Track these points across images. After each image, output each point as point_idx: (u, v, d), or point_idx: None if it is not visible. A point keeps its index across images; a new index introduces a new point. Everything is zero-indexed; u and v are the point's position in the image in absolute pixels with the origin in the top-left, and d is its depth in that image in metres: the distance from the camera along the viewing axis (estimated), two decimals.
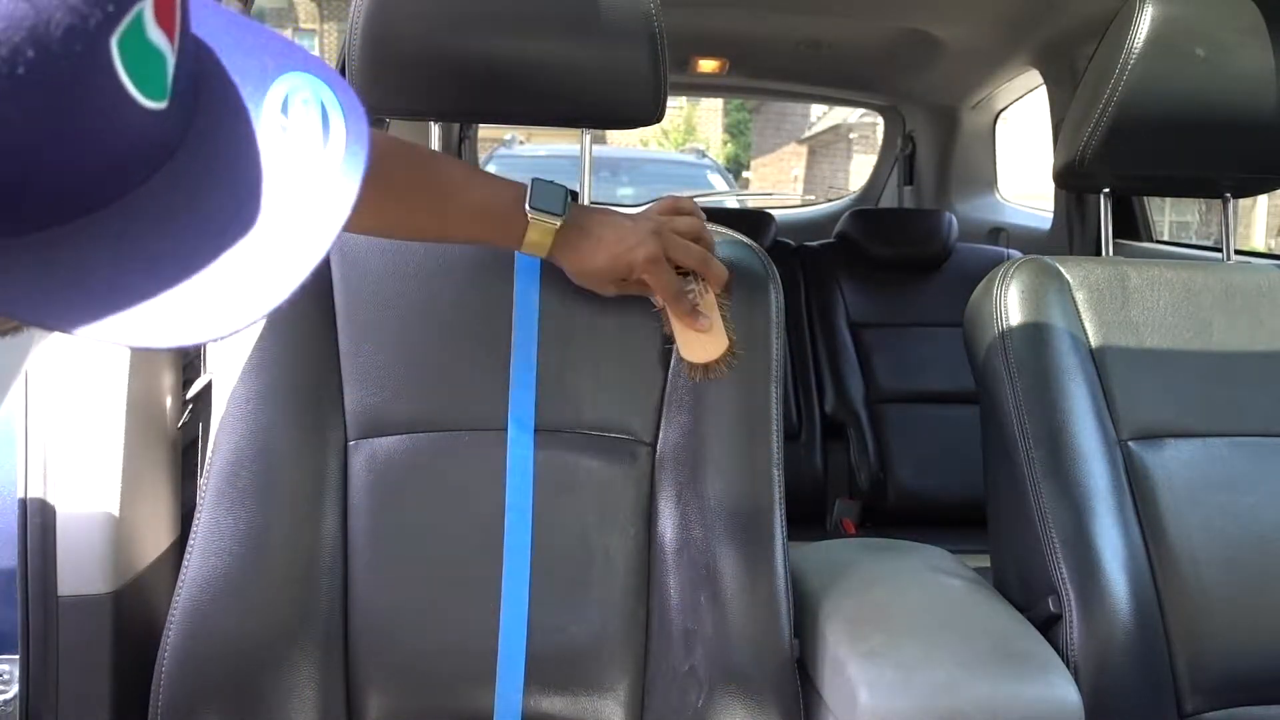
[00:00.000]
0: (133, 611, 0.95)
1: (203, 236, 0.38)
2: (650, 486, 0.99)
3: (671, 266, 0.93)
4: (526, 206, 0.88)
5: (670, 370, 1.00)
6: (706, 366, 0.96)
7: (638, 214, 0.95)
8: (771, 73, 2.91)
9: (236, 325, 0.38)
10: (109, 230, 0.36)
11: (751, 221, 2.57)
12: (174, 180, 0.38)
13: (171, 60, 0.36)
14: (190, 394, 1.08)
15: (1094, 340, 1.10)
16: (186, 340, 0.37)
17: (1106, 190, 1.22)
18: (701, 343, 0.95)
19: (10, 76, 0.31)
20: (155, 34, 0.35)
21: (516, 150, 4.88)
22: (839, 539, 1.82)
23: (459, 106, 1.06)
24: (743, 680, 0.92)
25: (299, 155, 0.41)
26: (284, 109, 0.41)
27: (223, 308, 0.38)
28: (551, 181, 0.90)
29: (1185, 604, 1.01)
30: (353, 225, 0.86)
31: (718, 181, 5.34)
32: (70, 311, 0.35)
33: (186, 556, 0.91)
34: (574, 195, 0.93)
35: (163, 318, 0.37)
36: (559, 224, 0.89)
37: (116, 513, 0.93)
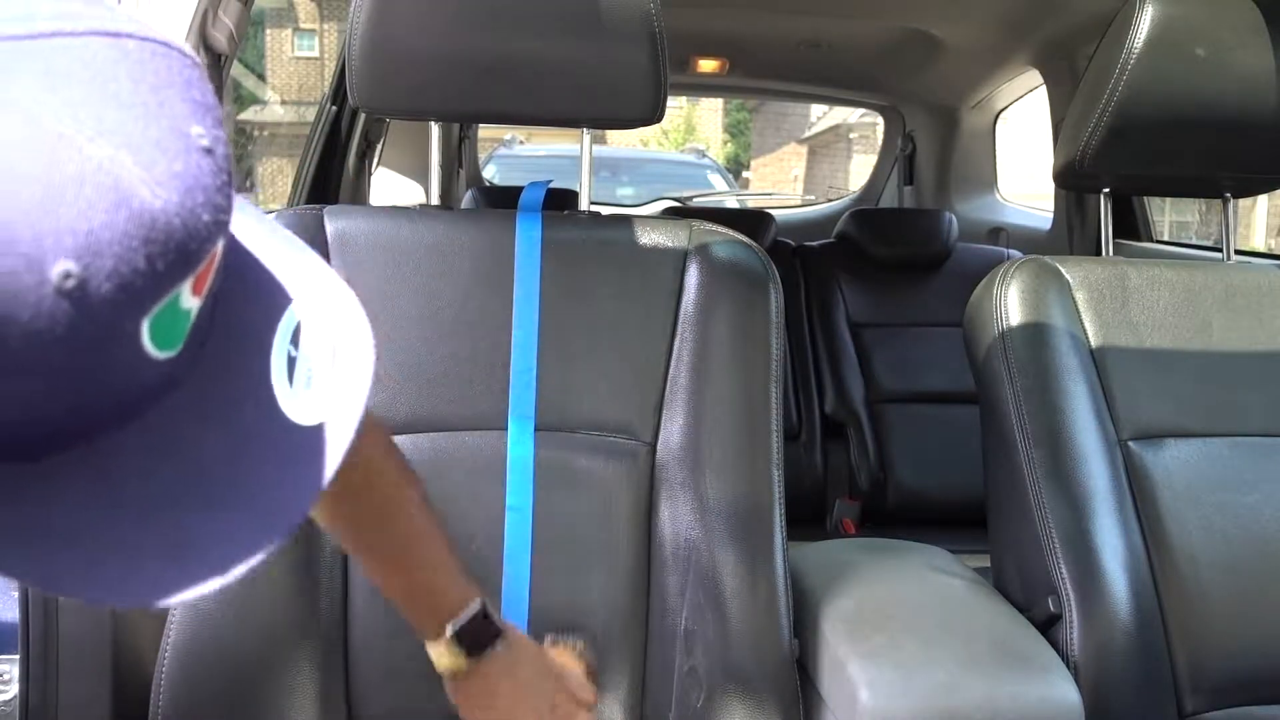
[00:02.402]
0: (133, 612, 0.95)
1: (179, 484, 0.37)
2: (650, 486, 0.99)
3: None
4: (450, 627, 0.79)
5: (670, 370, 1.00)
6: None
7: (550, 678, 0.85)
8: (771, 73, 2.91)
9: (186, 591, 0.36)
10: (89, 469, 0.35)
11: (751, 221, 2.57)
12: (168, 422, 0.37)
13: (195, 313, 0.36)
14: None
15: (1094, 340, 1.10)
16: (136, 603, 0.36)
17: (1106, 190, 1.22)
18: None
19: (40, 346, 0.31)
20: (188, 301, 0.35)
21: (516, 150, 4.88)
22: (839, 539, 1.83)
23: (459, 106, 1.06)
24: (743, 680, 0.92)
25: (297, 391, 0.40)
26: (294, 339, 0.41)
27: (181, 568, 0.36)
28: (494, 621, 0.81)
29: (1185, 604, 1.01)
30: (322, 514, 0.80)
31: (718, 181, 5.33)
32: (24, 556, 0.34)
33: None
34: (501, 633, 0.82)
35: (116, 571, 0.35)
36: (465, 668, 0.80)
37: None
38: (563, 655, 0.89)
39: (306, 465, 0.40)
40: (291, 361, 0.40)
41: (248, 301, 0.41)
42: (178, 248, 0.33)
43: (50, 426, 0.33)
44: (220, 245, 0.36)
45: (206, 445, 0.38)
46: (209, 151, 0.34)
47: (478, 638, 0.80)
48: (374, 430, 0.80)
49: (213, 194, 0.34)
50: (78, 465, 0.35)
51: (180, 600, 0.36)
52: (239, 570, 0.37)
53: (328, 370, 0.41)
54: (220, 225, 0.35)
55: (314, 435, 0.40)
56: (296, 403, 0.40)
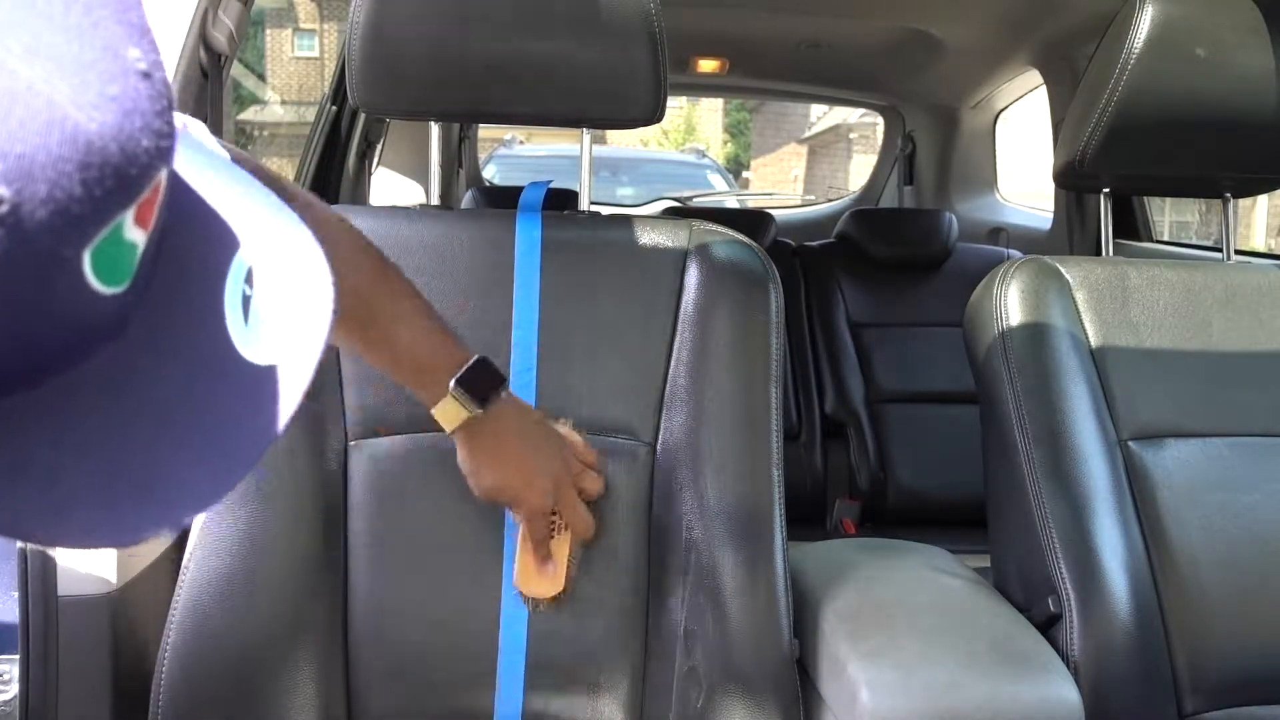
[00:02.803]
0: (133, 611, 0.94)
1: (143, 420, 0.36)
2: (650, 486, 0.99)
3: (550, 517, 0.90)
4: (452, 381, 0.83)
5: (670, 370, 1.00)
6: (536, 600, 0.94)
7: (556, 444, 0.88)
8: (771, 73, 2.91)
9: (157, 530, 0.36)
10: (47, 409, 0.34)
11: (751, 221, 2.57)
12: (121, 357, 0.36)
13: (141, 248, 0.35)
14: None
15: (1094, 340, 1.10)
16: (110, 543, 0.35)
17: (1106, 190, 1.22)
18: (537, 580, 0.93)
19: None
20: (131, 233, 0.34)
21: (516, 150, 4.88)
22: (839, 539, 1.82)
23: (459, 106, 1.06)
24: (743, 680, 0.92)
25: (253, 330, 0.39)
26: (248, 278, 0.39)
27: (153, 504, 0.36)
28: (496, 371, 0.84)
29: (1185, 604, 1.01)
30: None
31: (718, 181, 5.33)
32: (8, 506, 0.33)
33: (186, 556, 0.91)
34: (505, 387, 0.85)
35: (92, 512, 0.35)
36: (475, 413, 0.83)
37: None
38: (573, 436, 0.94)
39: (264, 403, 0.39)
40: (246, 300, 0.39)
41: (197, 240, 0.39)
42: (115, 173, 0.31)
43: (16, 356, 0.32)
44: (164, 175, 0.34)
45: (162, 383, 0.37)
46: (146, 75, 0.33)
47: (481, 386, 0.83)
48: (345, 233, 0.82)
49: (151, 119, 0.33)
50: (34, 407, 0.34)
51: (150, 537, 0.35)
52: (201, 508, 0.37)
53: (283, 310, 0.40)
54: (161, 152, 0.33)
55: (270, 374, 0.39)
56: (252, 341, 0.39)
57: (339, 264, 0.83)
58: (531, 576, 0.93)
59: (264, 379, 0.39)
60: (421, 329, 0.85)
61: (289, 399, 0.39)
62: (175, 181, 0.39)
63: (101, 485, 0.35)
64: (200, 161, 0.42)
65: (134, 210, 0.33)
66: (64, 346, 0.33)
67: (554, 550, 0.93)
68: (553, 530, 0.93)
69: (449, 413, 0.84)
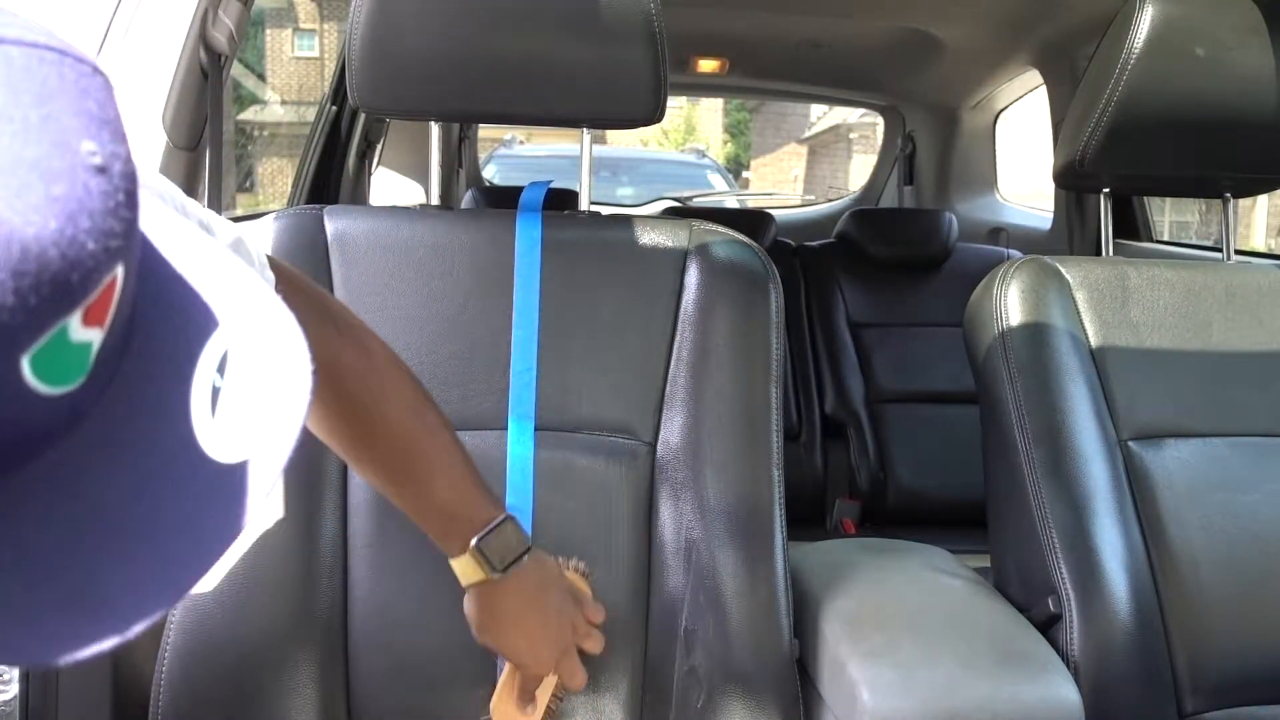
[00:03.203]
0: None
1: (86, 525, 0.34)
2: (650, 486, 0.99)
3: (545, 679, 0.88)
4: (474, 540, 0.81)
5: (670, 370, 1.00)
6: None
7: (567, 603, 0.87)
8: (771, 73, 2.91)
9: (87, 649, 0.33)
10: None
11: (751, 221, 2.57)
12: (72, 456, 0.33)
13: (97, 345, 0.33)
14: None
15: (1094, 340, 1.10)
16: (24, 662, 0.33)
17: (1106, 190, 1.22)
18: (512, 712, 0.89)
19: None
20: (80, 334, 0.32)
21: (516, 150, 4.88)
22: (839, 539, 1.82)
23: (459, 107, 1.06)
24: (743, 680, 0.92)
25: (220, 424, 0.36)
26: (220, 366, 0.37)
27: (83, 618, 0.33)
28: (518, 531, 0.82)
29: (1185, 604, 1.01)
30: (314, 427, 0.81)
31: (718, 181, 5.33)
32: None
33: None
34: (529, 551, 0.83)
35: (6, 627, 0.32)
36: (490, 578, 0.81)
37: None
38: (573, 578, 0.92)
39: (225, 506, 0.36)
40: (216, 392, 0.36)
41: (168, 327, 0.37)
42: (54, 279, 0.29)
43: None
44: (120, 272, 0.32)
45: (114, 483, 0.34)
46: (101, 170, 0.31)
47: (503, 550, 0.81)
48: (388, 363, 0.81)
49: (102, 218, 0.31)
50: None
51: (80, 658, 0.32)
52: (144, 623, 0.33)
53: (256, 403, 0.37)
54: (112, 252, 0.31)
55: (236, 473, 0.36)
56: (218, 438, 0.36)
57: (386, 416, 0.80)
58: (509, 711, 0.89)
59: (227, 477, 0.36)
60: (457, 484, 0.82)
61: (255, 497, 0.36)
62: (150, 263, 0.37)
63: (25, 601, 0.32)
64: (172, 233, 0.40)
65: (80, 313, 0.31)
66: (2, 447, 0.31)
67: (537, 695, 0.90)
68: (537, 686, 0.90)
69: (466, 569, 0.82)
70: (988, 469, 1.14)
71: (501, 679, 0.90)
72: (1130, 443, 1.06)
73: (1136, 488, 1.04)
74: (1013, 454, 1.06)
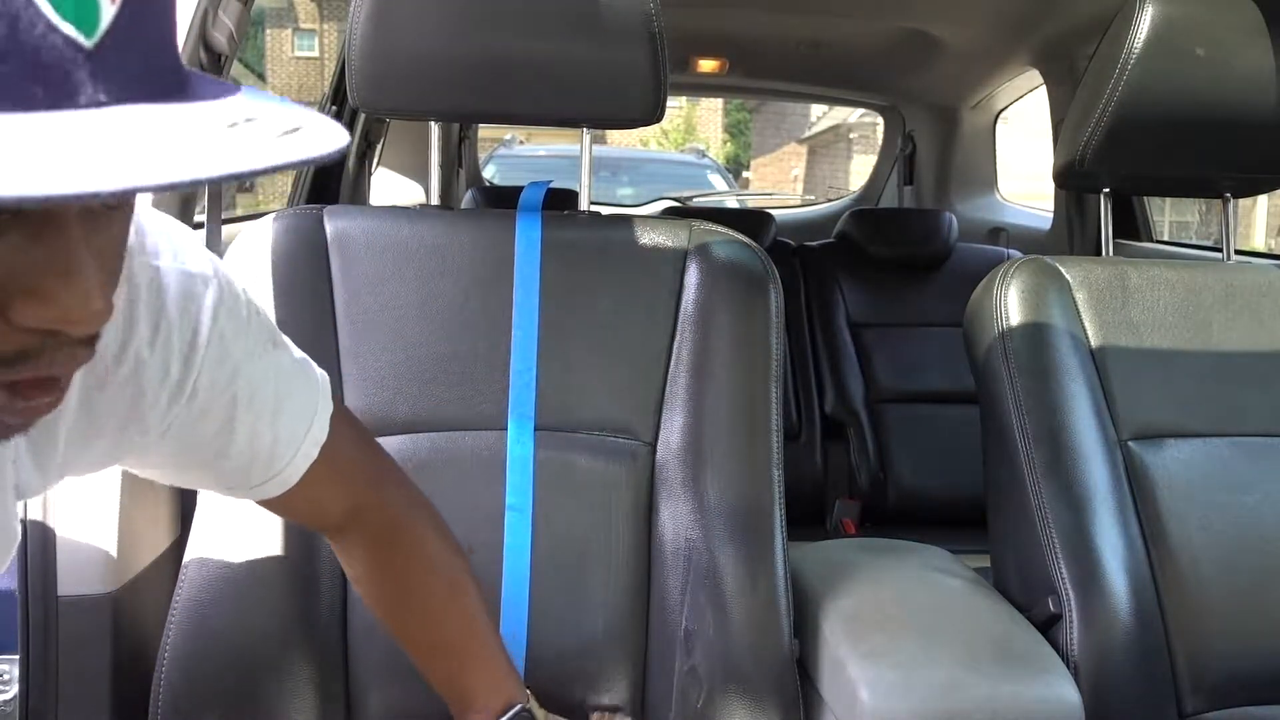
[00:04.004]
0: (133, 611, 0.94)
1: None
2: (650, 486, 0.99)
3: None
4: None
5: (669, 370, 1.00)
6: None
7: None
8: (771, 73, 2.91)
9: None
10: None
11: (751, 221, 2.57)
12: (105, 117, 0.35)
13: (114, 15, 0.34)
14: None
15: (1094, 340, 1.10)
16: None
17: (1106, 190, 1.22)
18: None
19: None
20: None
21: (516, 150, 4.88)
22: (839, 539, 1.83)
23: (459, 106, 1.06)
24: (743, 680, 0.92)
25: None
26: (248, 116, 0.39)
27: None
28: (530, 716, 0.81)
29: (1185, 604, 1.01)
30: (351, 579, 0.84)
31: (718, 181, 5.33)
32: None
33: (186, 557, 0.91)
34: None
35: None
36: None
37: (116, 513, 0.92)
38: None
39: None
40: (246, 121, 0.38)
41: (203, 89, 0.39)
42: None
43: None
44: None
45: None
46: None
47: None
48: (428, 519, 0.82)
49: None
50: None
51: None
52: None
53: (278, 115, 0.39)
54: None
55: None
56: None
57: (429, 604, 0.83)
58: None
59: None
60: (485, 670, 0.82)
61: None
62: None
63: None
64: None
65: None
66: (34, 70, 0.33)
67: None
68: None
69: None
70: (988, 469, 1.14)
71: None
72: (1130, 443, 1.06)
73: (1136, 488, 1.04)
74: (1013, 454, 1.06)
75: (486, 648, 0.83)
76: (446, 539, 0.83)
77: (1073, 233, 2.33)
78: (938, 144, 2.93)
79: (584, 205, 1.09)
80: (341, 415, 0.75)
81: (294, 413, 0.70)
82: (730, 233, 1.04)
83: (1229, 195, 1.23)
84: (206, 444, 0.66)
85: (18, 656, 0.89)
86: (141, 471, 0.70)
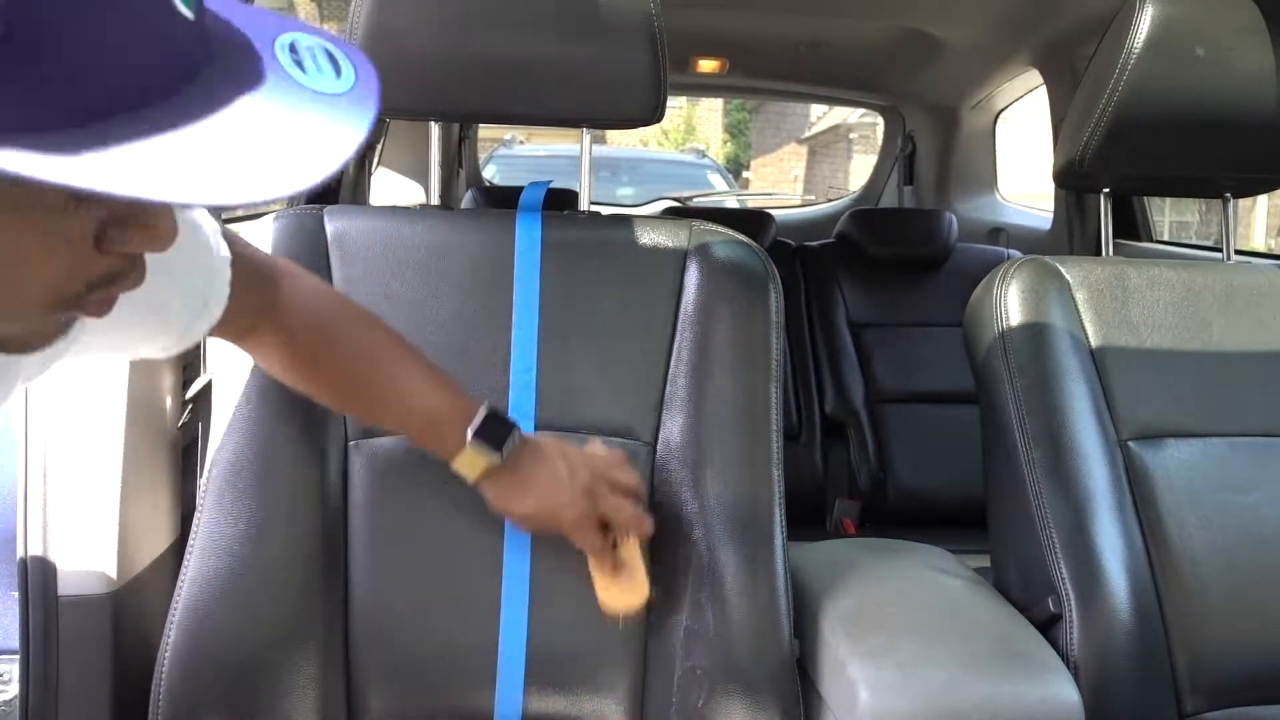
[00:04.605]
0: (133, 611, 0.94)
1: (247, 124, 0.40)
2: (650, 486, 0.99)
3: (596, 525, 0.89)
4: (469, 432, 0.84)
5: (670, 370, 1.00)
6: (623, 617, 0.92)
7: (575, 458, 0.89)
8: (771, 73, 2.91)
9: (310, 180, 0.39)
10: (173, 118, 0.38)
11: (751, 221, 2.57)
12: (204, 91, 0.39)
13: None
14: (190, 394, 1.08)
15: (1094, 340, 1.10)
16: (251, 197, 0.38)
17: (1106, 190, 1.22)
18: (620, 593, 0.91)
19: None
20: None
21: (516, 150, 4.89)
22: (839, 539, 1.82)
23: (459, 106, 1.06)
24: (743, 680, 0.92)
25: (315, 80, 0.42)
26: (293, 50, 0.43)
27: (290, 169, 0.39)
28: (505, 418, 0.86)
29: (1185, 604, 1.01)
30: (283, 378, 0.87)
31: (718, 181, 5.34)
32: (172, 179, 0.37)
33: (186, 556, 0.91)
34: (519, 431, 0.87)
35: (244, 177, 0.38)
36: (496, 462, 0.85)
37: (116, 513, 0.93)
38: (594, 447, 0.93)
39: (352, 115, 0.42)
40: (297, 64, 0.43)
41: (240, 22, 0.43)
42: None
43: (109, 72, 0.36)
44: None
45: (252, 109, 0.40)
46: None
47: (497, 433, 0.85)
48: (296, 274, 0.86)
49: None
50: (162, 117, 0.38)
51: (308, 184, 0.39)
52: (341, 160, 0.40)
53: (330, 65, 0.44)
54: None
55: (346, 99, 0.42)
56: (317, 81, 0.42)
57: (337, 339, 0.86)
58: (614, 594, 0.90)
59: (340, 102, 0.42)
60: (431, 389, 0.86)
61: (368, 110, 0.42)
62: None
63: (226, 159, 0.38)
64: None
65: None
66: (170, 62, 0.38)
67: (626, 557, 0.91)
68: (613, 544, 0.91)
69: (470, 464, 0.85)
70: (988, 469, 1.14)
71: (592, 571, 0.92)
72: (1130, 443, 1.06)
73: (1136, 488, 1.05)
74: (1013, 454, 1.06)
75: (423, 370, 0.86)
76: (318, 282, 0.89)
77: (1073, 233, 2.33)
78: (938, 144, 2.93)
79: (584, 205, 1.09)
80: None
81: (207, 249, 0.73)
82: (730, 233, 1.04)
83: (1229, 195, 1.23)
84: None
85: (18, 657, 0.89)
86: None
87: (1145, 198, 2.30)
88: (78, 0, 0.35)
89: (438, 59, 0.99)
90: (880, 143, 3.44)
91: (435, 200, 1.15)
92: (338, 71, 0.44)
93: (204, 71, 0.40)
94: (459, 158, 2.58)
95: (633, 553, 0.91)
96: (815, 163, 17.01)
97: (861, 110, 5.45)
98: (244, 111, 0.40)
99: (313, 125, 0.41)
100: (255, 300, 0.79)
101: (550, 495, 0.87)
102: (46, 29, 0.34)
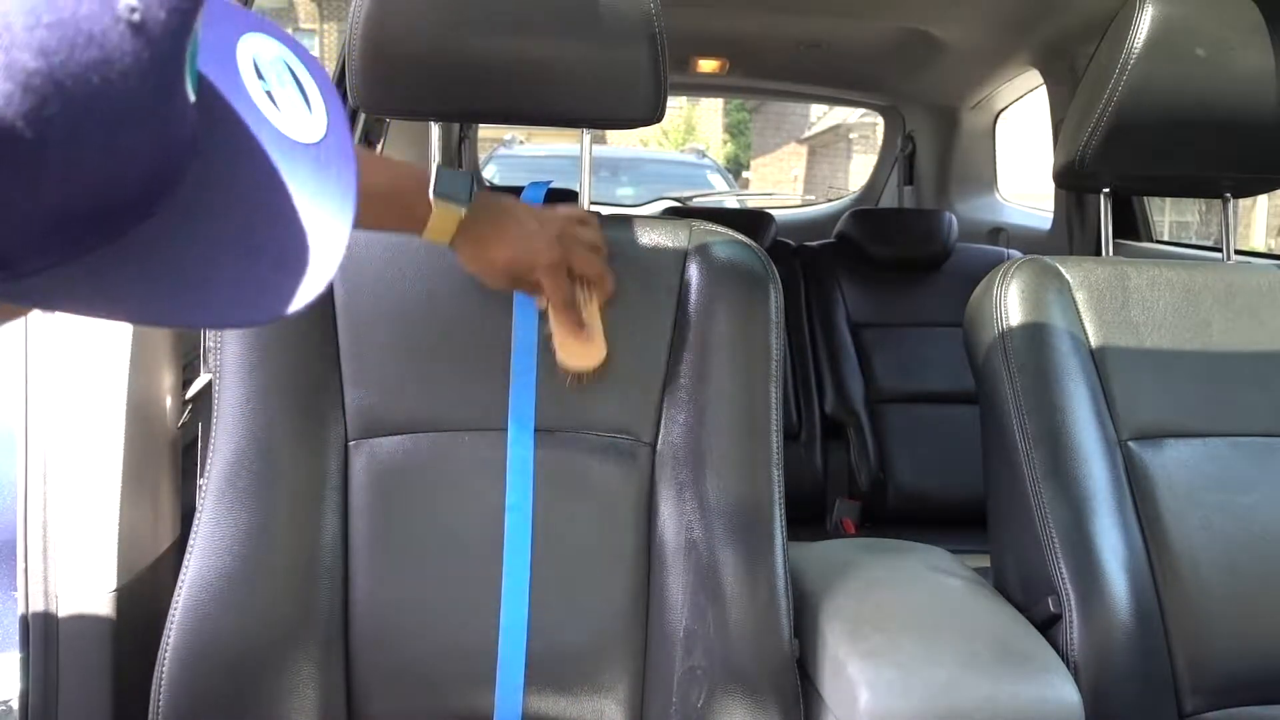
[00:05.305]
0: (133, 611, 0.95)
1: (249, 215, 0.39)
2: (650, 486, 0.99)
3: (567, 274, 0.92)
4: (430, 193, 0.86)
5: (670, 370, 1.00)
6: (580, 375, 0.97)
7: (543, 212, 0.93)
8: (771, 73, 2.91)
9: (307, 297, 0.39)
10: (176, 224, 0.37)
11: (751, 221, 2.57)
12: (205, 170, 0.38)
13: (198, 49, 0.37)
14: (190, 394, 1.08)
15: (1094, 340, 1.10)
16: (274, 313, 0.38)
17: (1106, 190, 1.22)
18: (581, 351, 0.95)
19: (140, 106, 0.32)
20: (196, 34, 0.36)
21: (516, 150, 4.89)
22: (839, 539, 1.82)
23: (459, 107, 1.06)
24: (743, 680, 0.92)
25: (293, 124, 0.42)
26: (258, 74, 0.42)
27: (291, 279, 0.39)
28: (459, 170, 0.87)
29: (1185, 604, 1.01)
30: None
31: (718, 181, 5.34)
32: (173, 304, 0.36)
33: (187, 556, 0.92)
34: (478, 181, 0.89)
35: (247, 294, 0.38)
36: (463, 213, 0.87)
37: (116, 513, 0.93)
38: (559, 207, 0.96)
39: (339, 169, 0.42)
40: (269, 95, 0.42)
41: (203, 46, 0.42)
42: None
43: (131, 193, 0.34)
44: None
45: (246, 179, 0.39)
46: None
47: (456, 186, 0.87)
48: None
49: None
50: (165, 227, 0.36)
51: (302, 303, 0.39)
52: (334, 268, 0.40)
53: (298, 91, 0.43)
54: None
55: (325, 147, 0.42)
56: (294, 125, 0.42)
57: None
58: (575, 351, 0.95)
59: (323, 153, 0.42)
60: (377, 161, 0.88)
61: (347, 160, 0.42)
62: None
63: (245, 269, 0.38)
64: None
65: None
66: (176, 159, 0.36)
67: (588, 318, 0.95)
68: (580, 302, 0.95)
69: (441, 224, 0.87)
70: (988, 469, 1.14)
71: (554, 326, 0.95)
72: (1130, 443, 1.06)
73: (1136, 488, 1.05)
74: (1013, 454, 1.06)
75: (379, 158, 0.89)
76: None
77: (1073, 233, 2.33)
78: (938, 144, 2.93)
79: (584, 205, 1.09)
80: None
81: None
82: (730, 233, 1.05)
83: (1229, 195, 1.23)
84: None
85: (19, 656, 0.90)
86: None
87: (1145, 198, 2.30)
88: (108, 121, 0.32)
89: (438, 59, 0.99)
90: (880, 143, 3.44)
91: None
92: (305, 96, 0.43)
93: (200, 147, 0.38)
94: (459, 158, 2.58)
95: (594, 312, 0.95)
96: (815, 163, 17.02)
97: (861, 110, 5.44)
98: (241, 201, 0.39)
99: (305, 212, 0.40)
100: None
101: (524, 241, 0.90)
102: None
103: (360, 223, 0.92)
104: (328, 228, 0.41)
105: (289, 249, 0.39)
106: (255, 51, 0.42)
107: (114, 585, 0.92)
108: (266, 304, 0.38)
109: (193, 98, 0.36)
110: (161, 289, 0.36)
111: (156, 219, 0.36)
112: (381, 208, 0.88)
